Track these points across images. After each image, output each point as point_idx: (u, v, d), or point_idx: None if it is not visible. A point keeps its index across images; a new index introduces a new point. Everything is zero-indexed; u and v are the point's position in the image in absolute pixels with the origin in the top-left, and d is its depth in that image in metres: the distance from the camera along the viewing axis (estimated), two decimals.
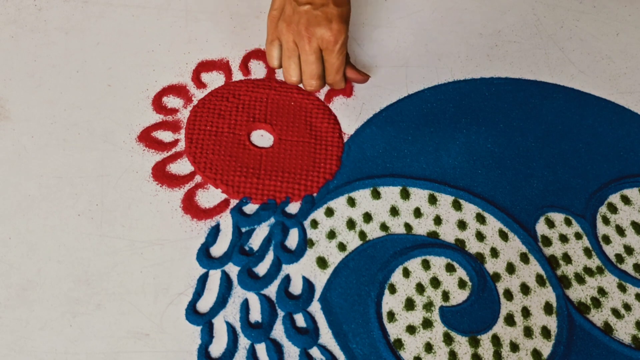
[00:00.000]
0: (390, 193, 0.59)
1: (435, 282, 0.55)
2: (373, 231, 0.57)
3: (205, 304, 0.52)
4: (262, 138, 0.62)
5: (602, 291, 0.56)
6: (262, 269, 0.54)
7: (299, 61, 0.58)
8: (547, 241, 0.58)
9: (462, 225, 0.58)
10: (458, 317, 0.54)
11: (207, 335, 0.51)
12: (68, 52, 0.65)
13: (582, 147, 0.64)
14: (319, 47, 0.57)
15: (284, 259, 0.55)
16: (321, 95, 0.64)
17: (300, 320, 0.52)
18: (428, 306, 0.54)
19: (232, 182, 0.58)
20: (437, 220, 0.58)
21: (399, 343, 0.52)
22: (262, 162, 0.60)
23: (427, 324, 0.53)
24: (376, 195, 0.59)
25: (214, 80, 0.65)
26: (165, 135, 0.61)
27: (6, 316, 0.50)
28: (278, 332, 0.52)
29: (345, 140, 0.62)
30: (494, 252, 0.57)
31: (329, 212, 0.58)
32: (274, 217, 0.57)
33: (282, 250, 0.55)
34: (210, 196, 0.58)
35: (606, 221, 0.60)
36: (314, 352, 0.51)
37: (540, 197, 0.60)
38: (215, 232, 0.56)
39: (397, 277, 0.55)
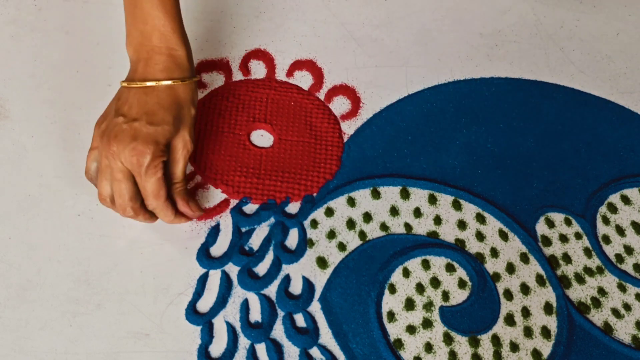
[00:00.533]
0: (390, 193, 0.59)
1: (435, 282, 0.55)
2: (373, 231, 0.57)
3: (205, 304, 0.52)
4: (262, 138, 0.62)
5: (602, 291, 0.56)
6: (262, 269, 0.54)
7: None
8: (547, 241, 0.58)
9: (462, 225, 0.58)
10: (458, 317, 0.54)
11: (207, 335, 0.51)
12: (68, 52, 0.65)
13: (582, 147, 0.64)
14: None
15: (284, 259, 0.55)
16: (321, 95, 0.64)
17: (300, 320, 0.52)
18: (428, 306, 0.54)
19: (232, 182, 0.58)
20: (437, 220, 0.58)
21: (399, 343, 0.52)
22: (262, 162, 0.60)
23: (427, 324, 0.53)
24: (376, 195, 0.59)
25: (214, 80, 0.65)
26: None
27: (6, 316, 0.50)
28: (278, 332, 0.52)
29: (345, 140, 0.62)
30: (494, 252, 0.57)
31: (329, 212, 0.58)
32: (274, 217, 0.57)
33: (282, 250, 0.55)
34: (210, 196, 0.58)
35: (606, 221, 0.60)
36: (314, 352, 0.51)
37: (540, 197, 0.60)
38: (215, 232, 0.56)
39: (397, 277, 0.55)
